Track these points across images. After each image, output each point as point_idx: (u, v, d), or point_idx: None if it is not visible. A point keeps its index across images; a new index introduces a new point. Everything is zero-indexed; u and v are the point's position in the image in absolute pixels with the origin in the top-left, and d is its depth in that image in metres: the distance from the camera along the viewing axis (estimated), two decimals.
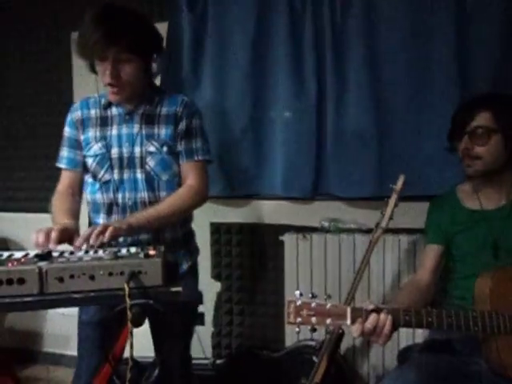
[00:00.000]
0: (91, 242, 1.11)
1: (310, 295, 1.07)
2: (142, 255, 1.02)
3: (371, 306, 1.06)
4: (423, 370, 1.18)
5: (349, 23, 1.90)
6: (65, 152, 1.46)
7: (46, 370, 2.36)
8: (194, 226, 2.22)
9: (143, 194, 1.38)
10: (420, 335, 1.79)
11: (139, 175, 1.38)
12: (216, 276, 2.23)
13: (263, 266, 2.17)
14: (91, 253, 1.07)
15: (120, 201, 1.38)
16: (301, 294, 1.07)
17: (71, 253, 1.07)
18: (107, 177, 1.39)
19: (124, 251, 1.08)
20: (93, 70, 1.35)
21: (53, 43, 2.42)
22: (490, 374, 1.16)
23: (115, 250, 1.06)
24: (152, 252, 1.05)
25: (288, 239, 2.02)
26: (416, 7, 1.83)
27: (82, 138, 1.43)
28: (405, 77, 1.87)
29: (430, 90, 1.85)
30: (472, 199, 1.41)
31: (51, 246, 1.11)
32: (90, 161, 1.41)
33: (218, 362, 2.08)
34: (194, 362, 2.02)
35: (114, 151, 1.38)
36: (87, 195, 1.45)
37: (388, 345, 1.09)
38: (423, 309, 1.08)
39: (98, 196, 1.41)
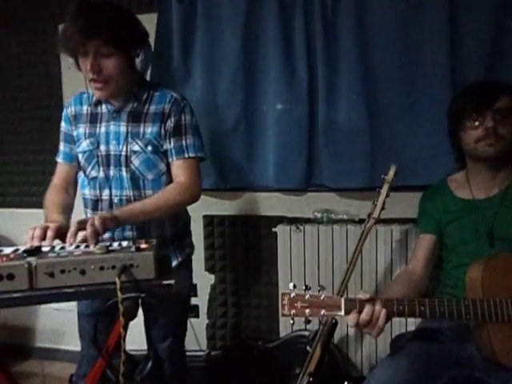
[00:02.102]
0: (90, 243, 1.10)
1: (304, 287, 1.07)
2: (133, 249, 1.01)
3: (367, 295, 1.07)
4: (416, 358, 1.20)
5: (340, 14, 1.88)
6: (61, 146, 1.49)
7: (40, 365, 2.35)
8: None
9: (128, 193, 1.39)
10: (412, 323, 1.81)
11: (125, 173, 1.39)
12: (210, 268, 2.23)
13: (256, 257, 2.17)
14: (82, 247, 1.06)
15: (105, 198, 1.40)
16: (294, 286, 1.08)
17: (62, 248, 1.06)
18: (94, 173, 1.41)
19: (115, 245, 1.07)
20: (78, 66, 1.33)
21: (40, 35, 2.36)
22: (481, 360, 1.17)
23: (106, 244, 1.05)
24: (144, 245, 1.04)
25: (281, 230, 2.02)
26: None
27: (74, 133, 1.45)
28: (397, 67, 1.87)
29: (422, 80, 1.85)
30: (463, 189, 1.41)
31: (45, 242, 1.11)
32: (79, 156, 1.44)
33: (213, 353, 2.08)
34: (188, 353, 2.03)
35: (102, 148, 1.40)
36: (80, 189, 1.48)
37: None
38: (416, 298, 1.09)
39: (86, 191, 1.44)
